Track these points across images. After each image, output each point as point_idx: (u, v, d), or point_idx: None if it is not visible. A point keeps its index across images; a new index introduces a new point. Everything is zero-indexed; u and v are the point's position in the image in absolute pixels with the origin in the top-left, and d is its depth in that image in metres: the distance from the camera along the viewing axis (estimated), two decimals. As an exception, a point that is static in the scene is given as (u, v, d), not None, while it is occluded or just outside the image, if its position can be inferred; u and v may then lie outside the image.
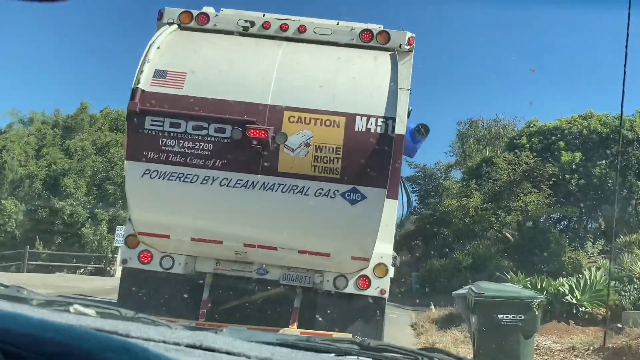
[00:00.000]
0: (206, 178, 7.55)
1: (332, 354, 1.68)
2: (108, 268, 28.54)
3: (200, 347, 1.43)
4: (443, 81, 58.83)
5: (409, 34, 8.38)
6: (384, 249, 8.12)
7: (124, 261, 8.38)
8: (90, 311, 2.07)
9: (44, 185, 30.25)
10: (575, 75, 60.54)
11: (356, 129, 7.49)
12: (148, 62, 7.74)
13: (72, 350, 1.08)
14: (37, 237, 28.83)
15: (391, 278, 8.38)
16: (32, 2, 1.30)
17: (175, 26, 8.36)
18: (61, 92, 60.06)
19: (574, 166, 28.27)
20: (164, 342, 1.40)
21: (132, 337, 1.34)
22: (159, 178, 7.58)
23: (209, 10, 8.57)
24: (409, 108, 8.45)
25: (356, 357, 1.73)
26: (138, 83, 7.59)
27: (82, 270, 28.83)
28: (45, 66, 61.34)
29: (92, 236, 29.12)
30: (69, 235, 29.49)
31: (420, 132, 9.50)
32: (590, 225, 30.80)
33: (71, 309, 2.07)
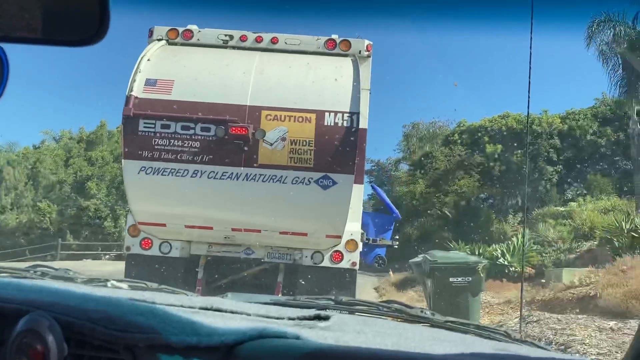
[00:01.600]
0: (195, 172, 6.89)
1: (314, 309, 1.66)
2: (127, 254, 27.81)
3: (211, 309, 1.44)
4: (389, 89, 58.59)
5: (367, 42, 7.80)
6: (353, 227, 7.53)
7: (127, 248, 7.67)
8: (124, 285, 2.10)
9: (72, 189, 29.34)
10: (495, 83, 60.73)
11: (325, 124, 6.91)
12: (140, 72, 7.07)
13: (109, 315, 1.06)
14: (68, 230, 28.08)
15: (360, 251, 7.76)
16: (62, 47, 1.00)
17: (163, 42, 7.66)
18: (86, 113, 58.75)
19: (496, 156, 28.08)
20: (182, 306, 1.39)
21: (157, 304, 1.29)
22: (153, 174, 6.90)
23: (192, 27, 7.83)
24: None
25: (333, 310, 1.71)
26: (131, 91, 6.94)
27: (106, 256, 27.94)
28: (72, 92, 59.80)
29: (113, 228, 28.39)
30: (94, 229, 28.59)
31: (378, 262, 9.28)
32: (510, 202, 30.54)
33: (108, 284, 2.09)
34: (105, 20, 0.93)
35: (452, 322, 1.71)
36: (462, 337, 1.54)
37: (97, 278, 2.17)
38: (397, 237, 10.72)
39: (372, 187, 10.02)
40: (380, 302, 1.94)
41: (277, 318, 1.41)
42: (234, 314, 1.42)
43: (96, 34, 0.93)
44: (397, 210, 10.24)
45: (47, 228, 27.94)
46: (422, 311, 1.79)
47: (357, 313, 1.78)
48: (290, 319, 1.41)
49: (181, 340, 1.01)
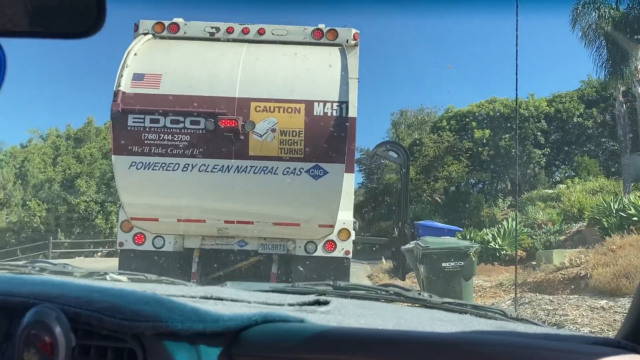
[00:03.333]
0: (186, 165, 6.87)
1: (313, 295, 1.69)
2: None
3: (211, 298, 1.45)
4: (378, 78, 58.57)
5: (353, 30, 7.77)
6: (345, 216, 7.55)
7: (120, 244, 7.60)
8: (123, 278, 2.11)
9: (61, 187, 28.93)
10: (482, 68, 60.92)
11: (315, 114, 6.89)
12: (127, 67, 7.01)
13: (115, 305, 1.06)
14: (59, 229, 27.81)
15: (352, 240, 7.77)
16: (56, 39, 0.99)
17: (149, 35, 7.58)
18: (73, 110, 58.20)
19: (484, 141, 28.23)
20: (183, 296, 1.40)
21: (160, 294, 1.25)
22: (144, 169, 6.87)
23: (179, 20, 7.76)
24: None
25: (331, 295, 1.73)
26: (119, 86, 6.88)
27: (98, 253, 27.76)
28: (58, 90, 59.17)
29: (104, 225, 28.16)
30: (85, 226, 28.34)
31: None
32: (499, 186, 30.75)
33: (107, 277, 2.10)
34: (103, 11, 0.93)
35: (449, 303, 1.74)
36: (460, 317, 1.56)
37: (96, 272, 2.17)
38: None
39: (416, 225, 10.10)
40: (378, 285, 1.95)
41: (278, 304, 1.42)
42: (235, 302, 1.43)
43: (94, 25, 0.93)
44: (455, 226, 10.40)
45: (38, 227, 27.65)
46: (419, 294, 1.82)
47: (355, 297, 1.80)
48: (290, 305, 1.42)
49: (187, 327, 1.02)
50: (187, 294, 1.48)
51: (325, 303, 1.44)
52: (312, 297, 1.52)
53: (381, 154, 12.78)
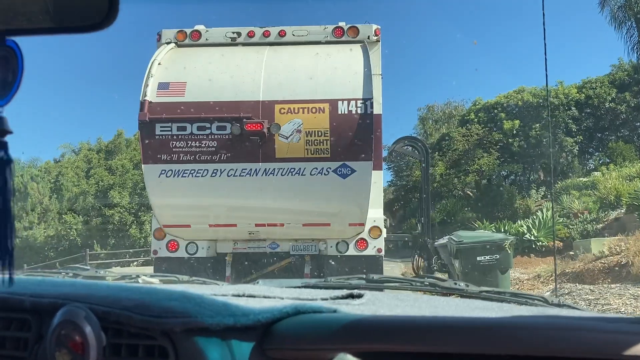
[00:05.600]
0: (215, 171, 6.91)
1: (345, 289, 1.64)
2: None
3: (243, 295, 1.44)
4: (402, 73, 58.22)
5: (374, 26, 7.72)
6: (375, 213, 7.50)
7: (154, 252, 7.68)
8: (155, 280, 2.17)
9: (95, 199, 29.55)
10: (507, 59, 60.04)
11: (339, 112, 6.85)
12: (152, 76, 7.08)
13: (143, 303, 1.06)
14: (95, 241, 28.31)
15: (384, 237, 7.70)
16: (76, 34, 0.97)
17: (172, 44, 7.66)
18: (103, 124, 59.49)
19: (514, 132, 27.72)
20: (214, 295, 1.34)
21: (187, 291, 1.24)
22: (174, 176, 6.94)
23: (200, 27, 7.83)
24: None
25: (365, 289, 1.68)
26: (145, 96, 6.95)
27: (134, 263, 28.20)
28: (87, 105, 60.58)
29: (139, 235, 28.59)
30: (120, 237, 28.82)
31: None
32: (532, 177, 30.19)
33: (139, 280, 2.14)
34: (115, 2, 0.91)
35: (487, 291, 1.69)
36: (499, 305, 1.51)
37: (128, 275, 2.21)
38: None
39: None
40: (412, 276, 1.94)
41: (311, 300, 1.39)
42: (267, 298, 1.41)
43: (106, 17, 0.91)
44: None
45: (75, 239, 28.24)
46: (455, 283, 1.78)
47: (389, 290, 1.77)
48: (323, 299, 1.39)
49: (217, 322, 1.00)
50: (219, 293, 1.47)
51: (359, 296, 1.40)
52: (345, 291, 1.49)
53: (399, 150, 12.62)
